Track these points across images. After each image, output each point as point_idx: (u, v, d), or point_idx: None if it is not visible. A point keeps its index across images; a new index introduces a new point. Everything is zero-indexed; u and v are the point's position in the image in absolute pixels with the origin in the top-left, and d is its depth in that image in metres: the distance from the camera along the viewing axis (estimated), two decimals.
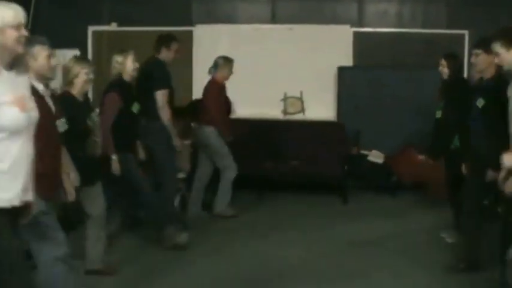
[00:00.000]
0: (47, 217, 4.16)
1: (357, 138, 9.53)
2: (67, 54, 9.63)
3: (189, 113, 9.17)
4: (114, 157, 6.13)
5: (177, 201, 8.14)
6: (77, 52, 9.67)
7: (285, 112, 10.27)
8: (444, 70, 6.81)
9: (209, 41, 10.20)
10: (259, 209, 8.60)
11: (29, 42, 3.89)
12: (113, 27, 10.49)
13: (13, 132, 3.31)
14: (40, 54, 4.40)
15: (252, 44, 10.07)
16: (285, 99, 10.25)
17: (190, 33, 10.29)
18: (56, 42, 9.62)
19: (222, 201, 8.12)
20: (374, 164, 9.41)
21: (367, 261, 6.29)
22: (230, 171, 8.06)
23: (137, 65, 6.40)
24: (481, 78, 5.99)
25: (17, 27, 3.33)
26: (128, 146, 6.38)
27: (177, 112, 8.91)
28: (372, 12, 10.14)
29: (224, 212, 8.08)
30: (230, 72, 8.07)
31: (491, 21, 8.20)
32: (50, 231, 4.20)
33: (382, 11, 10.11)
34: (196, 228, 7.38)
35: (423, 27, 9.90)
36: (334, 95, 10.01)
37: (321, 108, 10.10)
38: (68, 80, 5.34)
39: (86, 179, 5.18)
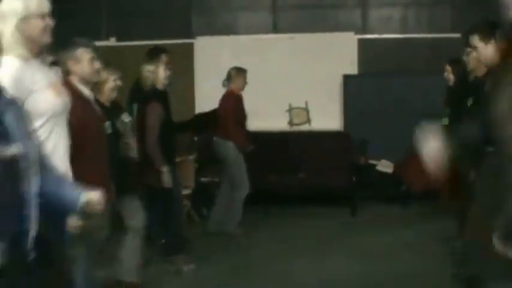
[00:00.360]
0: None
1: (364, 147, 9.37)
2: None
3: (193, 127, 9.11)
4: (164, 169, 6.03)
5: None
6: None
7: (290, 123, 10.14)
8: (449, 76, 6.68)
9: (210, 53, 10.11)
10: (266, 224, 8.48)
11: (72, 44, 3.99)
12: (112, 42, 10.38)
13: (51, 117, 3.34)
14: (83, 57, 4.29)
15: (253, 54, 9.90)
16: (290, 110, 10.13)
17: (191, 45, 10.22)
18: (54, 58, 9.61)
19: (234, 220, 7.93)
20: (383, 174, 9.24)
21: (378, 274, 6.22)
22: (243, 188, 7.87)
23: (169, 72, 6.34)
24: (475, 77, 5.83)
25: (42, 16, 3.32)
26: (171, 159, 6.31)
27: (180, 126, 8.87)
28: (376, 18, 10.02)
29: (235, 231, 7.88)
30: (244, 82, 7.97)
31: None
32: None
33: (386, 17, 9.98)
34: (207, 246, 7.35)
35: (429, 31, 9.76)
36: (340, 104, 9.90)
37: (327, 118, 9.98)
38: (96, 87, 5.12)
39: (124, 188, 5.10)
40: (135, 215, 5.46)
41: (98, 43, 10.04)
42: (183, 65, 9.71)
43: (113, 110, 5.37)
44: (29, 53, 3.30)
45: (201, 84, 10.05)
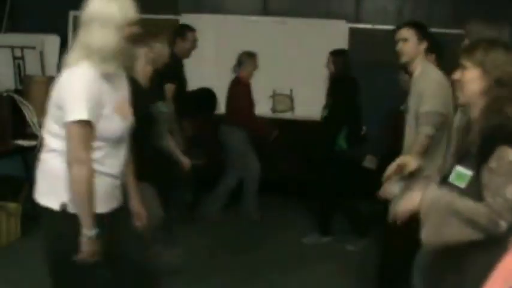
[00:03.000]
0: None
1: None
2: (46, 40, 9.42)
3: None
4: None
5: None
6: (56, 38, 9.48)
7: (273, 110, 9.94)
8: (330, 66, 7.07)
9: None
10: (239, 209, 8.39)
11: None
12: None
13: (113, 142, 3.36)
14: None
15: (240, 36, 9.66)
16: (274, 96, 9.92)
17: (176, 22, 9.78)
18: (35, 28, 9.32)
19: (252, 203, 8.07)
20: (367, 169, 8.98)
21: (358, 269, 6.52)
22: (252, 176, 8.01)
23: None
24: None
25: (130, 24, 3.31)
26: None
27: None
28: (370, 7, 9.79)
29: (253, 216, 8.05)
30: (255, 67, 8.01)
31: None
32: None
33: (380, 7, 9.71)
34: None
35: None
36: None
37: (312, 107, 9.52)
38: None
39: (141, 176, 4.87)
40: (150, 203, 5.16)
41: (79, 15, 10.09)
42: (166, 41, 9.51)
43: (150, 93, 5.12)
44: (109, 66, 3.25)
45: (185, 63, 9.73)
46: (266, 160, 8.92)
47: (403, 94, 6.94)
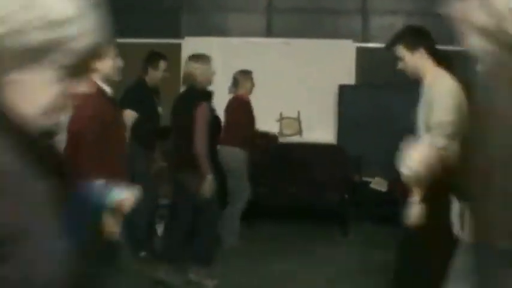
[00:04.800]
0: None
1: (358, 163, 9.18)
2: None
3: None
4: (209, 176, 5.98)
5: (160, 230, 7.84)
6: None
7: (281, 134, 9.90)
8: None
9: None
10: (253, 238, 8.36)
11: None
12: None
13: None
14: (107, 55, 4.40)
15: (245, 58, 9.58)
16: (281, 119, 9.94)
17: (179, 46, 9.95)
18: None
19: (232, 231, 7.85)
20: (377, 192, 8.97)
21: None
22: (243, 199, 7.88)
23: (215, 72, 6.45)
24: None
25: None
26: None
27: (165, 131, 8.62)
28: (377, 26, 9.84)
29: (235, 243, 7.83)
30: (252, 85, 8.05)
31: None
32: None
33: (387, 25, 9.60)
34: None
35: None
36: (335, 115, 9.77)
37: (320, 130, 9.85)
38: None
39: None
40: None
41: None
42: (169, 66, 9.58)
43: None
44: None
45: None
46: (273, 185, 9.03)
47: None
